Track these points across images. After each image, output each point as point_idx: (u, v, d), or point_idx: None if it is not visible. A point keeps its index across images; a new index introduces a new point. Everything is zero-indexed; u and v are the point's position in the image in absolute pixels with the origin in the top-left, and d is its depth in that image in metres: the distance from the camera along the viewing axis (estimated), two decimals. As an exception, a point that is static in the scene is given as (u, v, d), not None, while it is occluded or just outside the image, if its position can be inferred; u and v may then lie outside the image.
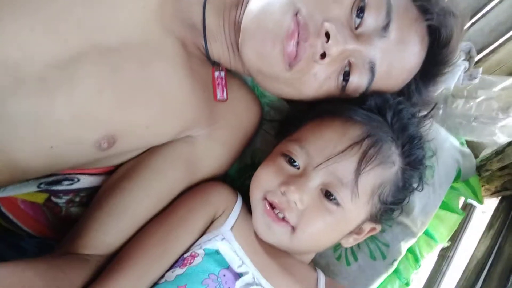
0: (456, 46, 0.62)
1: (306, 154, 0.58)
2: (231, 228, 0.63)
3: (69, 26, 0.49)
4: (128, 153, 0.65)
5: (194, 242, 0.62)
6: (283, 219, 0.58)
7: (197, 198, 0.65)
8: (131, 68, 0.54)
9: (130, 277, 0.55)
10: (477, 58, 0.93)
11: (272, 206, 0.59)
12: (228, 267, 0.58)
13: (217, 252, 0.59)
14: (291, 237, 0.59)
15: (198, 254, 0.59)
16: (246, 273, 0.58)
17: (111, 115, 0.54)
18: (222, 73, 0.68)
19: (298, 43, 0.53)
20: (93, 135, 0.54)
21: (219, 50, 0.65)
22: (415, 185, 0.65)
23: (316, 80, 0.58)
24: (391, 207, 0.63)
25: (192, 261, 0.58)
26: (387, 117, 0.59)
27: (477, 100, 0.85)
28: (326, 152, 0.57)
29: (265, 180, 0.61)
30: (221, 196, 0.66)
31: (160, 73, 0.58)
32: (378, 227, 0.65)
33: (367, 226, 0.64)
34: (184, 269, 0.57)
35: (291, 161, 0.60)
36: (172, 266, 0.59)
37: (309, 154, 0.58)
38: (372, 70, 0.58)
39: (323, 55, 0.54)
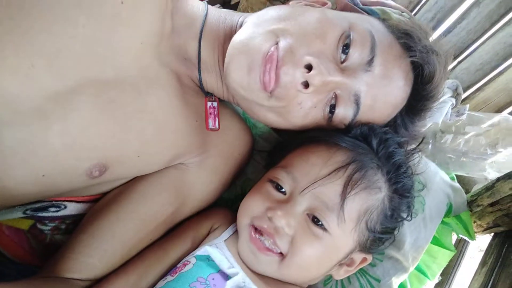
0: (439, 82, 0.64)
1: (292, 179, 0.59)
2: (225, 241, 0.64)
3: (68, 62, 0.50)
4: (118, 180, 0.66)
5: (189, 253, 0.63)
6: (270, 248, 0.58)
7: (196, 217, 0.69)
8: (126, 100, 0.56)
9: (130, 276, 0.59)
10: (464, 95, 0.95)
11: (259, 233, 0.59)
12: (218, 271, 0.58)
13: (208, 258, 0.60)
14: (279, 266, 0.58)
15: (190, 262, 0.59)
16: (236, 273, 0.57)
17: (104, 144, 0.55)
18: (215, 103, 0.69)
19: (276, 69, 0.55)
20: (85, 164, 0.54)
21: (212, 81, 0.67)
22: (404, 215, 0.65)
23: (301, 109, 0.59)
24: (380, 236, 0.62)
25: (183, 268, 0.59)
26: (372, 145, 0.60)
27: (466, 136, 0.86)
28: (311, 176, 0.57)
29: (252, 206, 0.61)
30: (219, 213, 0.70)
31: (154, 104, 0.59)
32: (369, 258, 0.64)
33: (358, 257, 0.63)
34: (175, 276, 0.58)
35: (278, 188, 0.60)
36: (164, 275, 0.60)
37: (295, 179, 0.59)
38: (357, 103, 0.59)
39: (306, 85, 0.55)
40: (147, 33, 0.57)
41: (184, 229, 0.67)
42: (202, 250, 0.61)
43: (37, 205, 0.61)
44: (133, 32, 0.56)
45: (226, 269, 0.58)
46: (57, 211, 0.62)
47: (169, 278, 0.58)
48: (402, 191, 0.62)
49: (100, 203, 0.66)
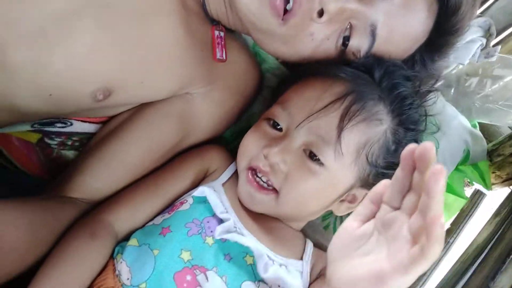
0: (465, 15, 0.59)
1: (288, 114, 0.58)
2: (223, 184, 0.64)
3: None
4: (123, 106, 0.66)
5: (186, 192, 0.63)
6: (266, 187, 0.58)
7: (192, 152, 0.68)
8: (128, 23, 0.55)
9: (124, 209, 0.59)
10: (499, 38, 0.87)
11: (256, 173, 0.59)
12: (213, 215, 0.59)
13: (205, 200, 0.60)
14: (276, 203, 0.58)
15: (187, 201, 0.60)
16: (227, 219, 0.58)
17: (107, 69, 0.55)
18: (222, 33, 0.67)
19: None
20: (89, 87, 0.55)
21: (216, 6, 0.65)
22: None
23: (313, 41, 0.56)
24: (383, 171, 0.59)
25: (180, 206, 0.60)
26: (375, 76, 0.58)
27: (493, 79, 0.80)
28: (307, 110, 0.56)
29: (249, 147, 0.61)
30: (216, 154, 0.68)
31: (157, 30, 0.57)
32: None
33: (361, 193, 0.61)
34: (172, 213, 0.59)
35: (275, 125, 0.60)
36: (162, 212, 0.61)
37: (290, 115, 0.58)
38: (373, 34, 0.56)
39: (321, 13, 0.52)
40: None
41: (179, 167, 0.66)
42: (199, 191, 0.61)
43: (44, 120, 0.63)
44: None
45: (219, 213, 0.59)
46: (63, 127, 0.64)
47: (166, 215, 0.59)
48: (406, 123, 0.59)
49: (108, 127, 0.67)
